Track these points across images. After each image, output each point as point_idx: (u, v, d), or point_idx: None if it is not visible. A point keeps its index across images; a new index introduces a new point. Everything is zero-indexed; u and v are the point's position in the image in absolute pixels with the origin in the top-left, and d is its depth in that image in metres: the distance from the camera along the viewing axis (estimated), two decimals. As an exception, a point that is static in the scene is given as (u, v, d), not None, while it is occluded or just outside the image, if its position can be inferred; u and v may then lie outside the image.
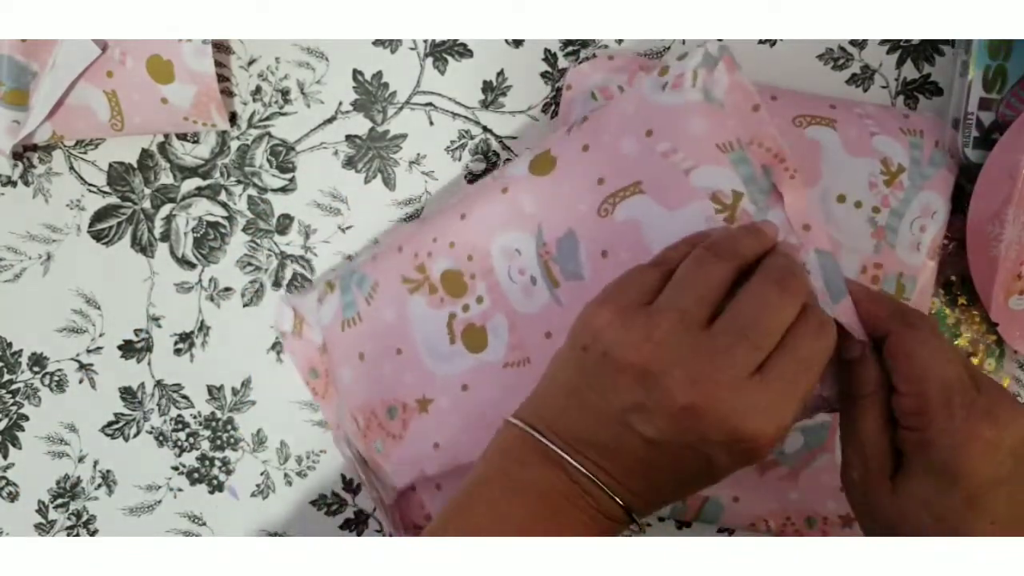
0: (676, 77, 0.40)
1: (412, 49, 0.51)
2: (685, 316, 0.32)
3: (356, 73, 0.51)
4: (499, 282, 0.43)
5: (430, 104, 0.51)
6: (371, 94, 0.51)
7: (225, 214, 0.53)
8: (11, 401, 0.55)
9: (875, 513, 0.36)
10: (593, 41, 0.50)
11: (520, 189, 0.43)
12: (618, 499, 0.34)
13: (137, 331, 0.54)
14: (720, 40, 0.40)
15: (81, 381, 0.55)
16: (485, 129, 0.51)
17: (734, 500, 0.48)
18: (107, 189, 0.53)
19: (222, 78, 0.51)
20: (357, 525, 0.54)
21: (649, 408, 0.32)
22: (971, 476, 0.33)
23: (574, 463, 0.33)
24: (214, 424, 0.54)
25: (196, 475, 0.55)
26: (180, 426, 0.55)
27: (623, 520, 0.35)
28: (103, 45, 0.48)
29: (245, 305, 0.53)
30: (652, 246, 0.39)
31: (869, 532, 0.37)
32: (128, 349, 0.54)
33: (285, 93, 0.52)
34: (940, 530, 0.33)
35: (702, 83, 0.39)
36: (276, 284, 0.53)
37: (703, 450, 0.32)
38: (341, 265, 0.52)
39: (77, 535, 0.56)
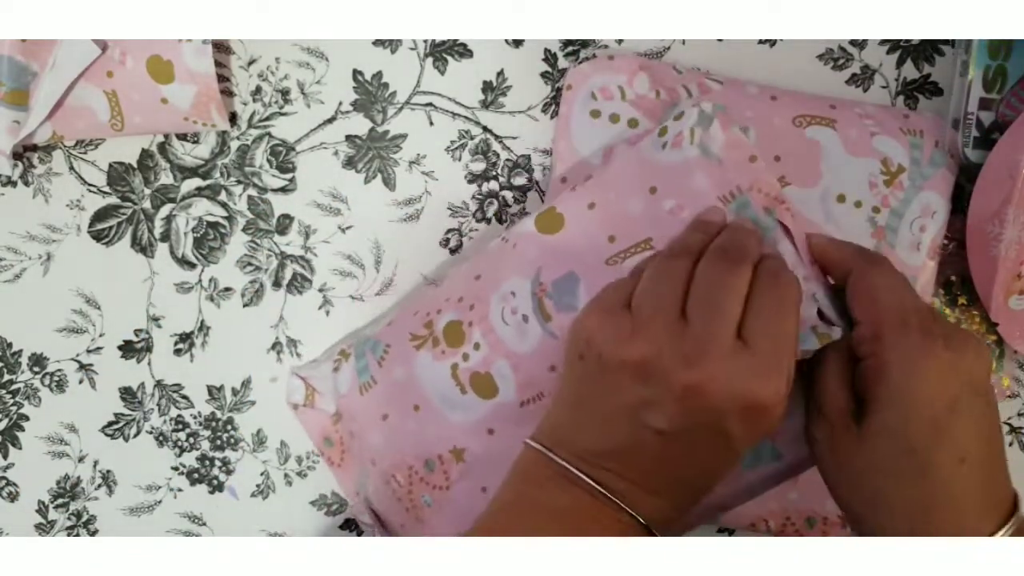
0: (674, 136, 0.41)
1: (412, 49, 0.51)
2: (661, 308, 0.34)
3: (356, 73, 0.51)
4: (493, 327, 0.44)
5: (430, 104, 0.51)
6: (371, 94, 0.51)
7: (225, 214, 0.53)
8: (11, 401, 0.55)
9: (843, 464, 0.35)
10: (593, 41, 0.50)
11: (529, 246, 0.44)
12: (639, 516, 0.34)
13: (137, 331, 0.54)
14: (714, 104, 0.41)
15: (81, 381, 0.55)
16: (485, 129, 0.51)
17: None
18: (107, 189, 0.53)
19: (222, 78, 0.51)
20: (357, 525, 0.54)
21: (655, 400, 0.33)
22: (930, 398, 0.33)
23: (591, 481, 0.34)
24: (214, 424, 0.54)
25: (196, 475, 0.55)
26: (180, 426, 0.55)
27: (647, 532, 0.35)
28: (103, 45, 0.48)
29: (245, 305, 0.53)
30: None
31: (836, 490, 0.36)
32: (128, 349, 0.54)
33: (285, 93, 0.52)
34: (912, 464, 0.33)
35: (699, 140, 0.40)
36: (276, 284, 0.53)
37: (718, 426, 0.33)
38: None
39: (77, 535, 0.56)
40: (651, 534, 0.34)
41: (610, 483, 0.34)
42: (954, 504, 0.33)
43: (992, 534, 0.33)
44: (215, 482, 0.55)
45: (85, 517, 0.56)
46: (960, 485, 0.33)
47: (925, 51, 0.49)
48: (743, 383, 0.32)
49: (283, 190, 0.52)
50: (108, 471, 0.56)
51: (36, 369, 0.55)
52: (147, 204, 0.53)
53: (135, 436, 0.55)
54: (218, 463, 0.55)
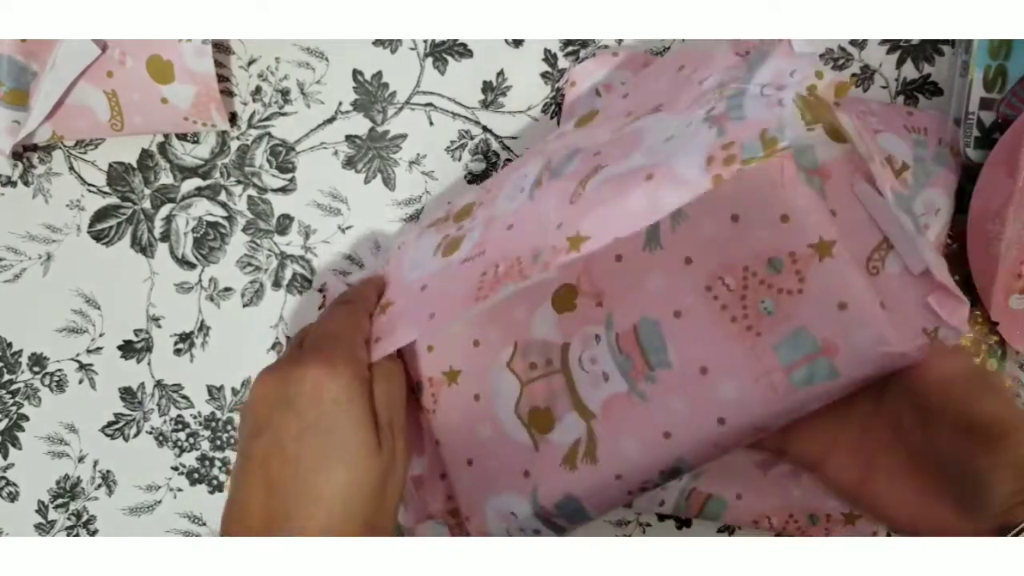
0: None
1: (412, 49, 0.51)
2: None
3: (356, 73, 0.51)
4: (496, 200, 0.42)
5: (430, 104, 0.51)
6: (371, 94, 0.51)
7: (225, 214, 0.53)
8: (11, 401, 0.55)
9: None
10: (593, 41, 0.50)
11: (560, 140, 0.43)
12: None
13: (137, 331, 0.54)
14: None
15: (81, 381, 0.55)
16: (485, 129, 0.51)
17: (737, 497, 0.48)
18: (107, 189, 0.53)
19: (222, 78, 0.51)
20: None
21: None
22: None
23: None
24: (214, 424, 0.54)
25: (196, 475, 0.55)
26: (180, 426, 0.55)
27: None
28: (103, 45, 0.48)
29: (245, 305, 0.53)
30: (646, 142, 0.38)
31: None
32: (128, 349, 0.54)
33: (285, 93, 0.52)
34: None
35: None
36: (276, 284, 0.53)
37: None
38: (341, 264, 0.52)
39: (77, 535, 0.56)
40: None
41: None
42: None
43: None
44: (215, 482, 0.55)
45: (85, 517, 0.56)
46: None
47: (925, 51, 0.49)
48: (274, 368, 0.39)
49: (283, 190, 0.52)
50: (108, 471, 0.56)
51: (36, 369, 0.55)
52: (147, 204, 0.53)
53: (135, 436, 0.55)
54: (218, 463, 0.55)
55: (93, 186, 0.53)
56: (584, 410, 0.40)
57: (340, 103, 0.51)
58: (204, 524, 0.55)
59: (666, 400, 0.39)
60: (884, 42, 0.49)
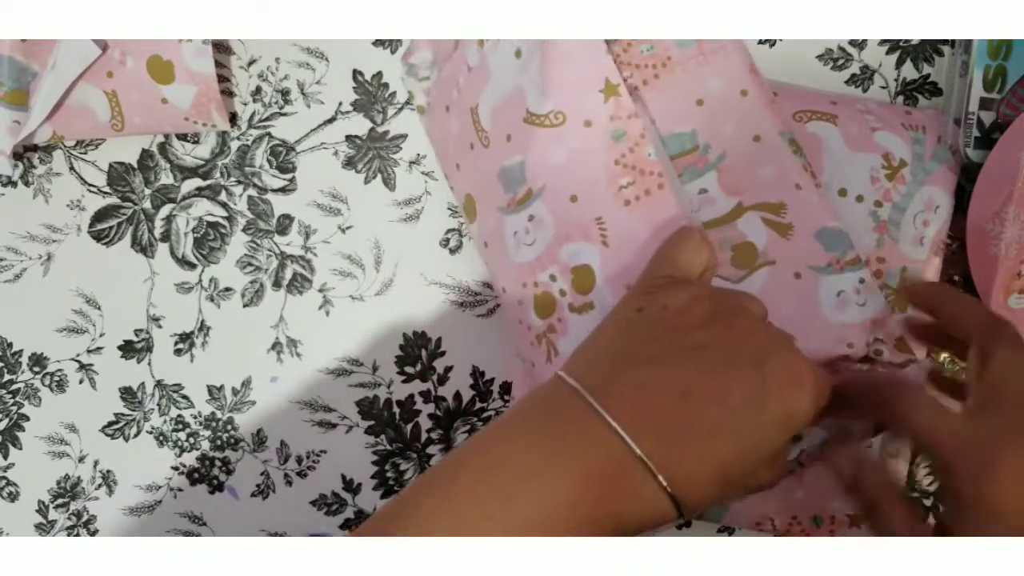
0: None
1: (412, 49, 0.51)
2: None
3: (356, 73, 0.51)
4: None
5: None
6: (371, 94, 0.51)
7: (225, 214, 0.53)
8: (11, 401, 0.55)
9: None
10: (593, 41, 0.50)
11: None
12: (669, 484, 0.32)
13: (137, 331, 0.54)
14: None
15: (81, 381, 0.55)
16: (485, 129, 0.51)
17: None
18: (107, 189, 0.53)
19: (222, 78, 0.51)
20: (357, 525, 0.54)
21: (711, 339, 0.34)
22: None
23: (625, 436, 0.32)
24: (214, 424, 0.54)
25: (196, 475, 0.55)
26: (180, 426, 0.55)
27: (669, 508, 0.33)
28: (103, 45, 0.48)
29: (245, 305, 0.53)
30: None
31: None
32: (128, 349, 0.54)
33: (285, 93, 0.52)
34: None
35: None
36: (276, 284, 0.53)
37: (759, 370, 0.33)
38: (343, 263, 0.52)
39: (77, 535, 0.56)
40: (678, 508, 0.33)
41: (642, 439, 0.32)
42: None
43: None
44: (215, 482, 0.55)
45: (85, 517, 0.56)
46: None
47: (925, 51, 0.49)
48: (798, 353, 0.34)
49: (283, 190, 0.52)
50: (108, 471, 0.56)
51: (36, 369, 0.55)
52: (147, 204, 0.53)
53: (135, 436, 0.55)
54: (218, 463, 0.55)
55: (93, 186, 0.53)
56: None
57: (340, 103, 0.51)
58: (204, 524, 0.55)
59: None
60: (884, 42, 0.49)
